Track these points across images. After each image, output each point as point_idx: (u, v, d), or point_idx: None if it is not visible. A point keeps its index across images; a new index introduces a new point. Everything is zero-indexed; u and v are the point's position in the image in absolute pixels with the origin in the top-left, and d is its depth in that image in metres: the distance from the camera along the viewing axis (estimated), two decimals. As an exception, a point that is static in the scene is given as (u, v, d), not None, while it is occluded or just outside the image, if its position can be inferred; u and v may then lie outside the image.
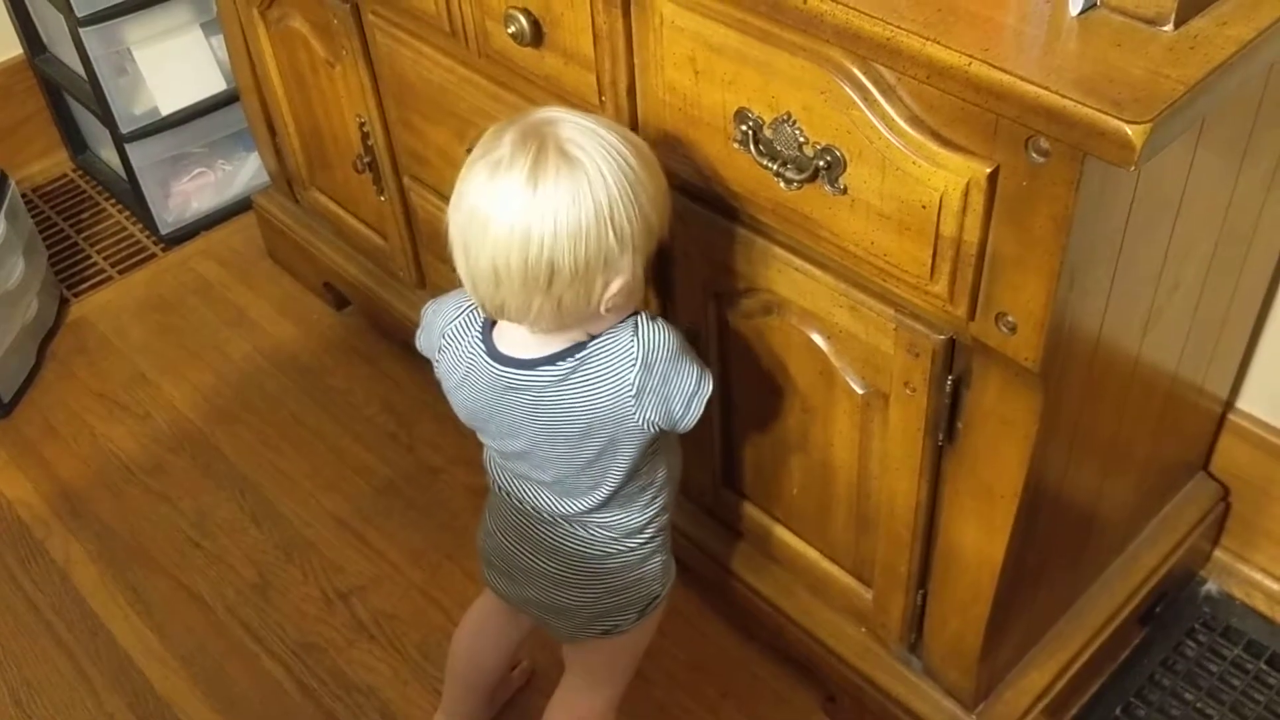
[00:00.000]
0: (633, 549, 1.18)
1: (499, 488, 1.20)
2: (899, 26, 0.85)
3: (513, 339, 1.07)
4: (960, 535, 1.13)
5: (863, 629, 1.34)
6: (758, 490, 1.37)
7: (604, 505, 1.14)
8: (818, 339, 1.14)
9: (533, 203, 0.96)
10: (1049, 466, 1.08)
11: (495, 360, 1.08)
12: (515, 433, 1.11)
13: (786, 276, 1.12)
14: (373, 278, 1.82)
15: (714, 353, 1.27)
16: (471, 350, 1.10)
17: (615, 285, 1.01)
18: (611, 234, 0.97)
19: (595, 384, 1.06)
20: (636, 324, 1.06)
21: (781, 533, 1.37)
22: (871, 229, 0.97)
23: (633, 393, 1.05)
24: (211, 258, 2.13)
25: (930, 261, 0.95)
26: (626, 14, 1.07)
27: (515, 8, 1.16)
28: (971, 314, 0.95)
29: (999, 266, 0.91)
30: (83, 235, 2.21)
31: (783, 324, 1.16)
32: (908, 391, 1.07)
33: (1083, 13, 0.84)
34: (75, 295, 2.08)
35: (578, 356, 1.05)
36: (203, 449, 1.80)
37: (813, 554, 1.34)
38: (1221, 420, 1.44)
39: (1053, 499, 1.13)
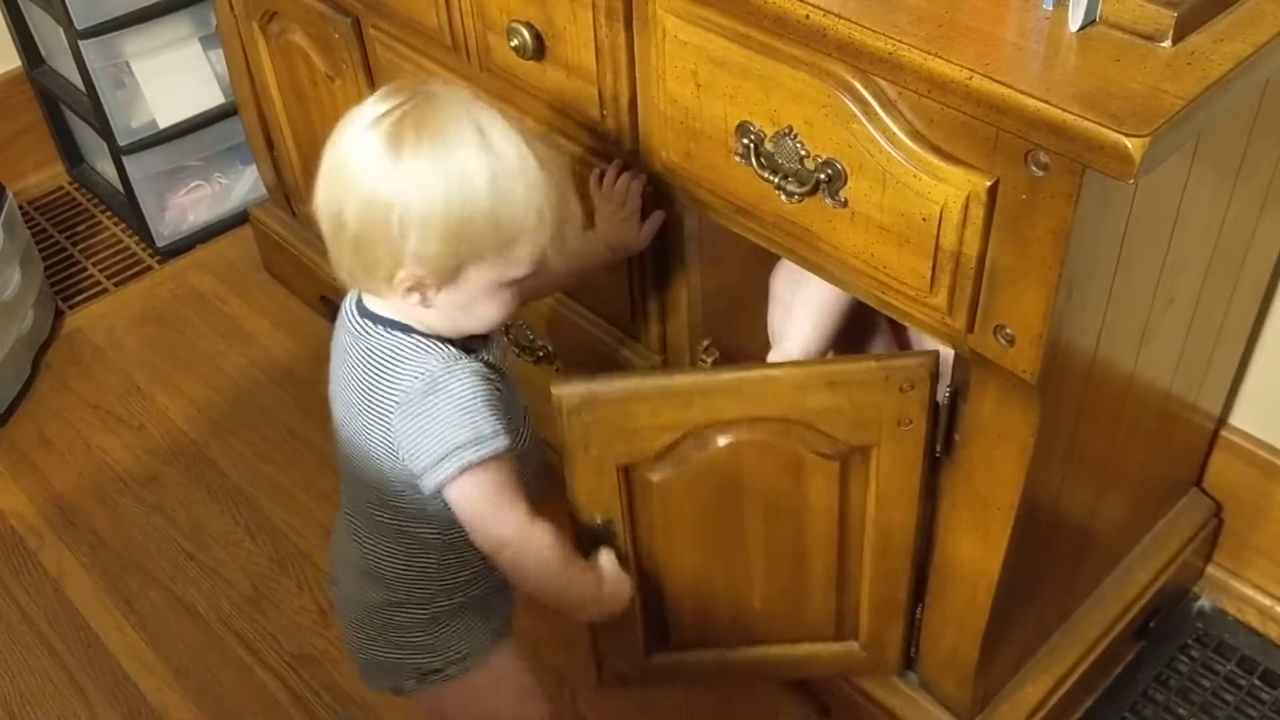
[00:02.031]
0: (392, 602, 1.12)
1: None
2: (900, 41, 0.86)
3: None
4: (957, 548, 1.14)
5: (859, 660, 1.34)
6: (705, 633, 1.28)
7: (368, 521, 1.10)
8: (775, 440, 1.10)
9: (355, 146, 0.95)
10: (1045, 479, 1.09)
11: (356, 307, 1.06)
12: (337, 388, 1.08)
13: (741, 394, 1.08)
14: (369, 291, 1.83)
15: (628, 529, 1.17)
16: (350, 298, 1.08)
17: (401, 274, 0.96)
18: (395, 218, 0.93)
19: (387, 365, 1.01)
20: (457, 357, 1.00)
21: (745, 654, 1.30)
22: (871, 242, 0.98)
23: (397, 401, 1.00)
24: (207, 270, 2.13)
25: (930, 274, 0.95)
26: (629, 28, 1.08)
27: (518, 21, 1.17)
28: (970, 326, 0.96)
29: (998, 279, 0.92)
30: (78, 247, 2.21)
31: (727, 451, 1.11)
32: (902, 428, 1.07)
33: (1082, 28, 0.85)
34: (70, 307, 2.08)
35: (394, 332, 1.01)
36: (197, 461, 1.80)
37: (786, 650, 1.29)
38: (1214, 436, 1.45)
39: (1048, 512, 1.14)
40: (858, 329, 1.31)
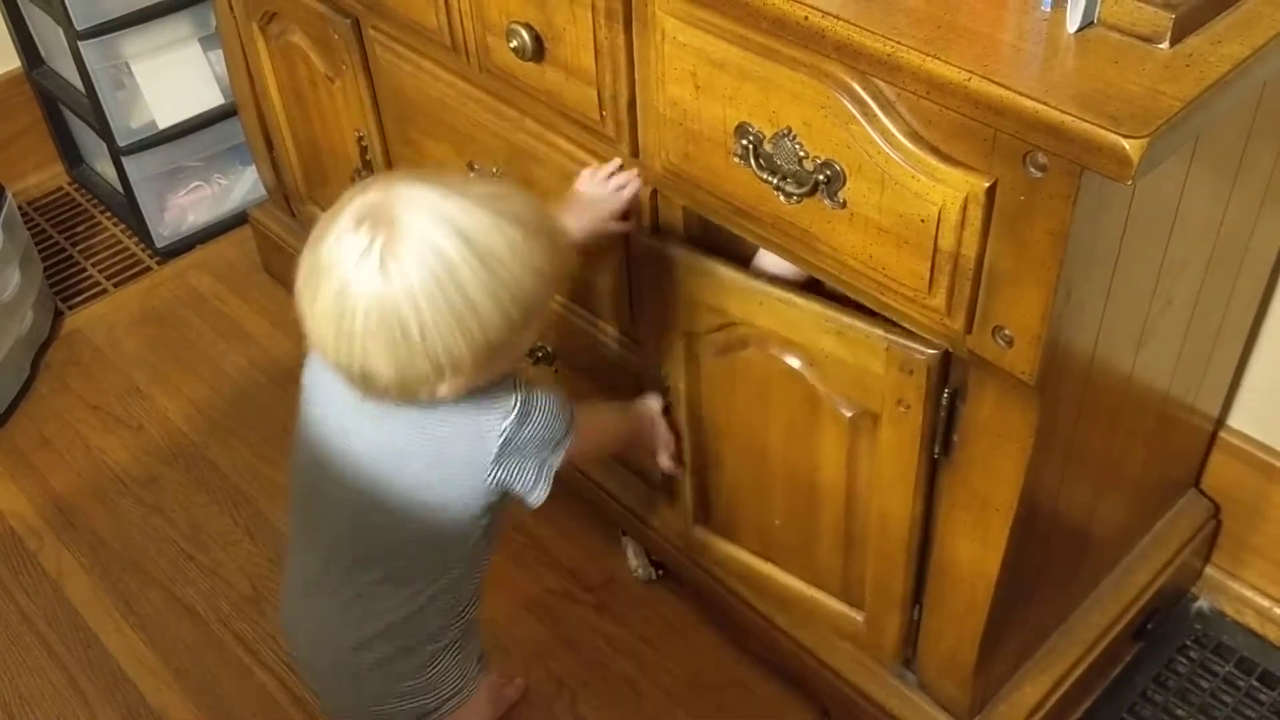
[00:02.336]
0: (394, 651, 1.13)
1: None
2: (899, 42, 0.86)
3: None
4: (956, 548, 1.14)
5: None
6: (735, 527, 1.37)
7: (380, 576, 1.11)
8: (801, 367, 1.13)
9: (346, 307, 0.93)
10: (1044, 480, 1.09)
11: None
12: (351, 457, 1.09)
13: (767, 308, 1.12)
14: (369, 292, 1.83)
15: (683, 393, 1.27)
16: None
17: (443, 391, 0.98)
18: (426, 363, 0.94)
19: (461, 426, 1.04)
20: (514, 384, 1.04)
21: (763, 567, 1.36)
22: (870, 243, 0.98)
23: (497, 446, 1.04)
24: (207, 271, 2.13)
25: (928, 275, 0.96)
26: (628, 30, 1.08)
27: (517, 23, 1.17)
28: (969, 327, 0.96)
29: (996, 280, 0.92)
30: (78, 248, 2.21)
31: (762, 356, 1.17)
32: (901, 409, 1.07)
33: (1080, 30, 0.85)
34: (70, 307, 2.08)
35: (444, 404, 1.02)
36: (196, 461, 1.80)
37: (798, 585, 1.34)
38: (1213, 437, 1.45)
39: (1047, 513, 1.14)
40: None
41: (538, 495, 1.08)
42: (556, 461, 1.08)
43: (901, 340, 1.04)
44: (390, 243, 0.92)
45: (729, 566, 1.41)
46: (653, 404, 1.32)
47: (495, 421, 1.03)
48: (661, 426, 1.32)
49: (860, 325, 1.06)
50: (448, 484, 1.06)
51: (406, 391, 0.97)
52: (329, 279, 0.94)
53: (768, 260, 1.19)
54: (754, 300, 1.13)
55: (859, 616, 1.30)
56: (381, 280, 0.92)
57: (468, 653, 1.19)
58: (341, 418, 1.08)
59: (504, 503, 1.10)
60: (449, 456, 1.05)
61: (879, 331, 1.05)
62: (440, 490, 1.06)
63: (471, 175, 1.02)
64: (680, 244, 1.18)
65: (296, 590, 1.19)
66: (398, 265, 0.92)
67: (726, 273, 1.15)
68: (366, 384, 0.97)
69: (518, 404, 1.04)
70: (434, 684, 1.16)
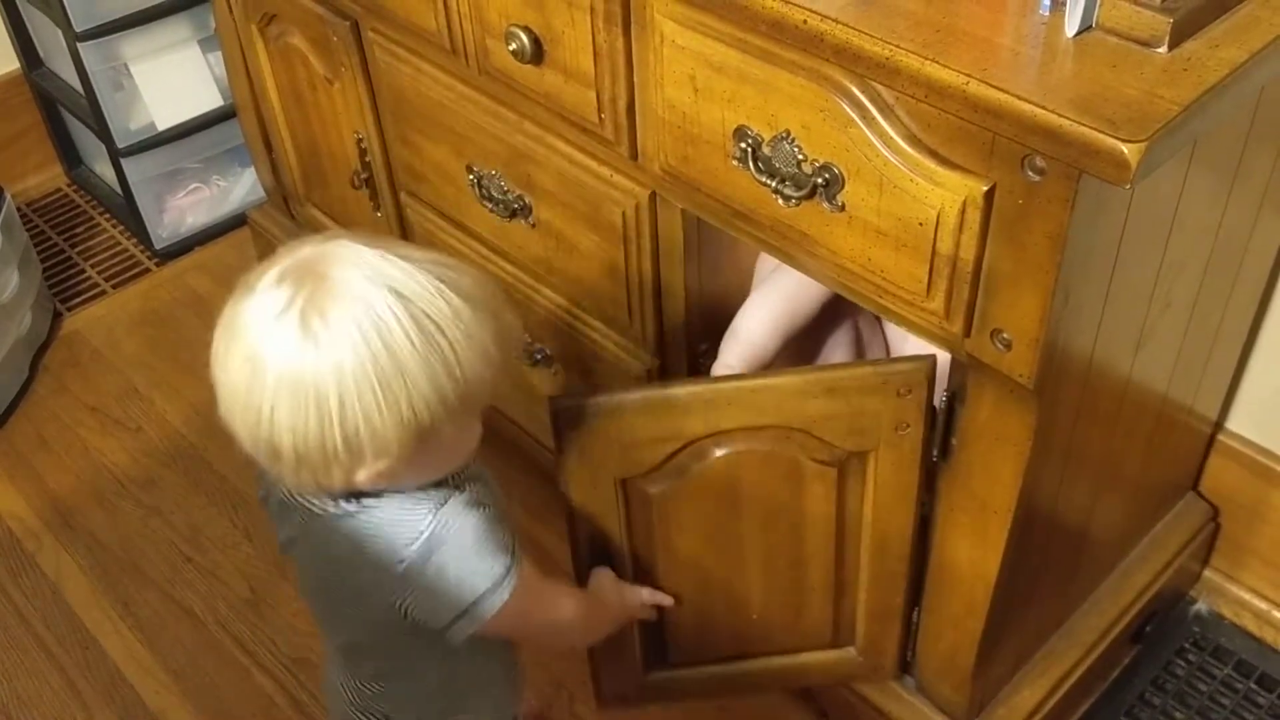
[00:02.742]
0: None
1: None
2: (898, 46, 0.86)
3: None
4: (955, 550, 1.14)
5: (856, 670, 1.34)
6: (701, 649, 1.29)
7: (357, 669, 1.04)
8: (775, 448, 1.10)
9: (256, 371, 0.83)
10: (1042, 483, 1.09)
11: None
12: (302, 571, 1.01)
13: (736, 408, 1.07)
14: (368, 293, 1.83)
15: (626, 544, 1.19)
16: None
17: (359, 478, 0.87)
18: (339, 439, 0.83)
19: (367, 538, 0.92)
20: (442, 501, 0.92)
21: (739, 667, 1.31)
22: (869, 246, 0.99)
23: (398, 576, 0.91)
24: (205, 273, 2.13)
25: (927, 278, 0.96)
26: (627, 32, 1.08)
27: (516, 25, 1.17)
28: (967, 330, 0.96)
29: (995, 283, 0.92)
30: (77, 249, 2.21)
31: (723, 461, 1.11)
32: (900, 433, 1.07)
33: (1079, 34, 0.85)
34: (69, 309, 2.08)
35: (364, 502, 0.91)
36: (195, 463, 1.80)
37: (782, 661, 1.30)
38: (1211, 440, 1.45)
39: (1045, 516, 1.14)
40: (820, 329, 1.30)
41: (454, 636, 0.94)
42: (484, 610, 0.93)
43: (893, 367, 1.04)
44: (316, 299, 0.82)
45: (701, 685, 1.33)
46: (604, 579, 1.17)
47: (399, 545, 0.91)
48: (627, 594, 1.18)
49: (851, 372, 1.06)
50: (362, 599, 0.94)
51: (316, 473, 0.85)
52: (241, 338, 0.84)
53: (754, 319, 1.19)
54: (721, 403, 1.07)
55: (851, 651, 1.29)
56: (299, 338, 0.81)
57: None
58: (299, 550, 0.99)
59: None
60: (360, 563, 0.92)
61: (870, 368, 1.05)
62: (360, 606, 0.95)
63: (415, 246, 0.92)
64: (606, 394, 1.08)
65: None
66: (322, 323, 0.81)
67: (684, 392, 1.08)
68: (274, 461, 0.86)
69: (429, 529, 0.90)
70: None
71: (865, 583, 1.21)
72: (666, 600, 1.22)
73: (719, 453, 1.11)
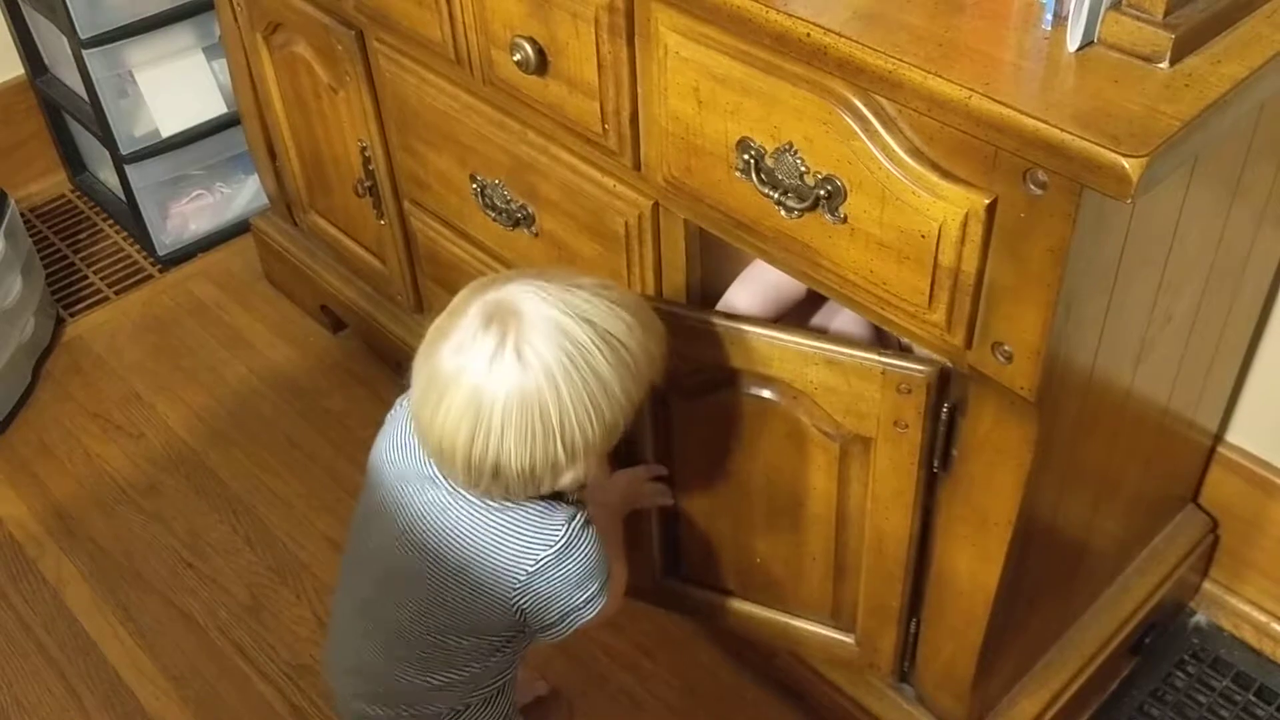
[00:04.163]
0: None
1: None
2: (901, 60, 0.86)
3: None
4: (954, 562, 1.14)
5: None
6: (710, 571, 1.35)
7: (428, 647, 1.12)
8: (783, 402, 1.13)
9: (483, 404, 0.96)
10: (1042, 495, 1.09)
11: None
12: (410, 533, 1.09)
13: (742, 347, 1.12)
14: (370, 301, 1.83)
15: (650, 442, 1.25)
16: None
17: (565, 480, 1.02)
18: (560, 447, 0.97)
19: (504, 538, 1.05)
20: (574, 514, 1.06)
21: (742, 606, 1.35)
22: (871, 258, 0.99)
23: (529, 570, 1.05)
24: (208, 279, 2.14)
25: (928, 291, 0.96)
26: (631, 44, 1.09)
27: (521, 36, 1.18)
28: (968, 343, 0.97)
29: (996, 296, 0.93)
30: (80, 255, 2.21)
31: (737, 397, 1.16)
32: (899, 430, 1.08)
33: (1080, 49, 0.85)
34: (71, 315, 2.09)
35: (506, 503, 1.05)
36: (197, 470, 1.80)
37: (781, 619, 1.33)
38: (1211, 453, 1.45)
39: (1045, 527, 1.14)
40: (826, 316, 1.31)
41: (552, 636, 1.10)
42: (581, 618, 1.08)
43: (897, 362, 1.04)
44: (522, 333, 0.96)
45: (707, 609, 1.39)
46: (619, 480, 1.29)
47: (537, 547, 1.05)
48: (645, 489, 1.31)
49: (853, 353, 1.07)
50: (480, 590, 1.07)
51: (530, 482, 0.99)
52: (460, 381, 0.96)
53: (740, 300, 1.22)
54: (728, 342, 1.12)
55: (850, 639, 1.30)
56: (519, 371, 0.95)
57: (495, 711, 1.20)
58: (413, 498, 1.09)
59: (526, 633, 1.12)
60: (492, 557, 1.05)
61: (874, 357, 1.06)
62: (472, 595, 1.07)
63: (574, 272, 1.09)
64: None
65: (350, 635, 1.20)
66: (534, 352, 0.95)
67: (695, 317, 1.14)
68: (491, 480, 0.99)
69: (563, 539, 1.05)
70: None
71: (864, 575, 1.22)
72: (666, 496, 1.31)
73: (731, 389, 1.15)
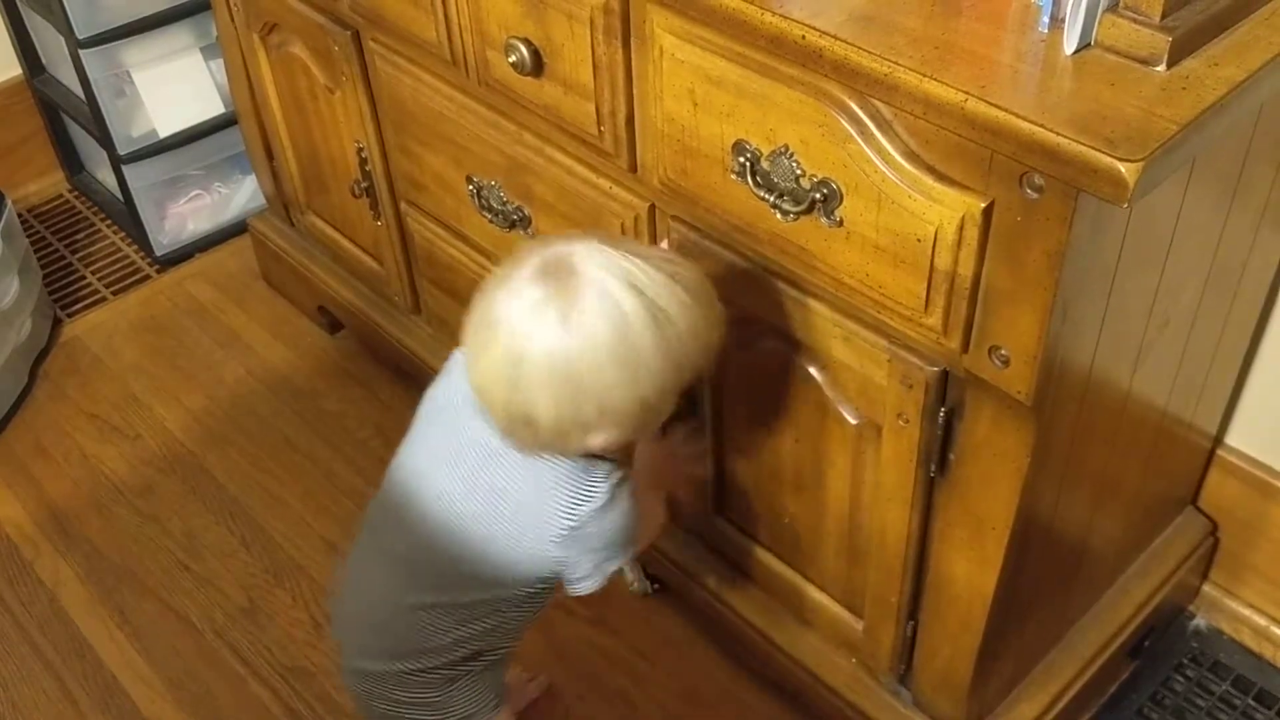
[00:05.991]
0: (421, 666, 1.16)
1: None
2: (897, 63, 0.86)
3: None
4: (951, 566, 1.14)
5: (853, 660, 1.34)
6: (749, 519, 1.37)
7: (448, 600, 1.14)
8: (812, 370, 1.14)
9: (521, 356, 0.97)
10: (1040, 499, 1.09)
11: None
12: (441, 463, 1.11)
13: (781, 307, 1.13)
14: (367, 302, 1.83)
15: (710, 392, 1.27)
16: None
17: (596, 441, 1.02)
18: (590, 409, 0.98)
19: (547, 490, 1.07)
20: (612, 472, 1.08)
21: (771, 561, 1.37)
22: (866, 261, 0.98)
23: (571, 525, 1.07)
24: (206, 280, 2.13)
25: (924, 294, 0.96)
26: (626, 46, 1.08)
27: (516, 37, 1.17)
28: (965, 347, 0.96)
29: (992, 300, 0.92)
30: (77, 256, 2.21)
31: (777, 354, 1.17)
32: (900, 423, 1.07)
33: (1077, 52, 0.85)
34: (69, 315, 2.08)
35: (548, 458, 1.06)
36: (193, 471, 1.80)
37: (802, 583, 1.35)
38: (1210, 456, 1.45)
39: (1043, 531, 1.14)
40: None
41: (585, 587, 1.13)
42: (612, 567, 1.12)
43: (903, 353, 1.04)
44: (571, 293, 0.96)
45: (743, 555, 1.41)
46: (655, 449, 1.31)
47: (579, 502, 1.07)
48: (680, 465, 1.34)
49: (865, 332, 1.07)
50: (518, 539, 1.09)
51: (560, 437, 1.00)
52: (503, 328, 0.98)
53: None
54: (769, 297, 1.13)
55: (858, 624, 1.30)
56: (561, 328, 0.96)
57: (488, 684, 1.21)
58: (454, 439, 1.11)
59: (551, 588, 1.16)
60: (534, 508, 1.08)
61: (883, 341, 1.05)
62: (509, 542, 1.09)
63: (647, 244, 1.12)
64: (705, 236, 1.17)
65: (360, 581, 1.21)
66: (578, 314, 0.96)
67: (744, 267, 1.14)
68: (524, 429, 1.00)
69: (606, 496, 1.07)
70: (443, 704, 1.18)
71: (872, 564, 1.22)
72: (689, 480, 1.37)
73: (770, 344, 1.16)
